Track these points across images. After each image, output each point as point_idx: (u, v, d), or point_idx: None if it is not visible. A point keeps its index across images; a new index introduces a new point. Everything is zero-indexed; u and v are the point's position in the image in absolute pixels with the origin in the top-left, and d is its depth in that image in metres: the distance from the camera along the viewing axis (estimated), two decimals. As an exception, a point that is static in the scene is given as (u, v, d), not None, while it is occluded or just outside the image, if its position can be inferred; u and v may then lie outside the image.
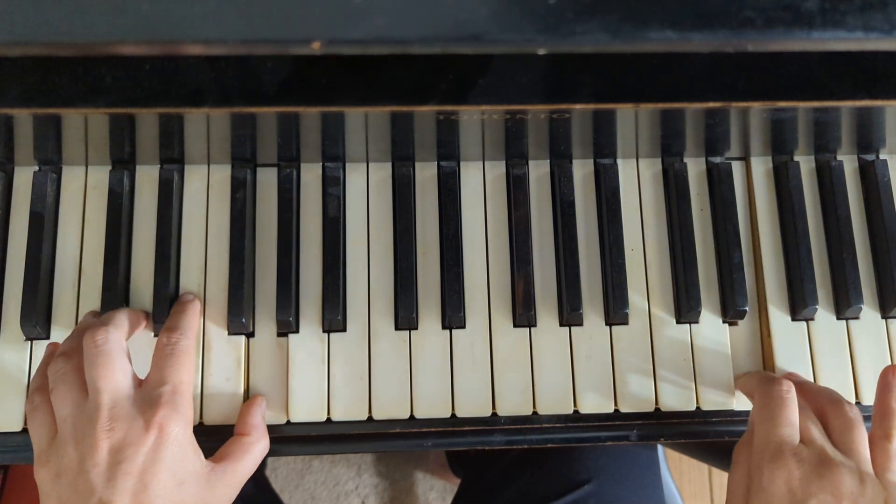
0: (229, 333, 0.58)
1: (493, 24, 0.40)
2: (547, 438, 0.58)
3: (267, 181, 0.61)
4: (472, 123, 0.54)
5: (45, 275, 0.58)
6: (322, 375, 0.58)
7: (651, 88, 0.51)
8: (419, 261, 0.60)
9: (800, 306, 0.59)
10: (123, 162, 0.60)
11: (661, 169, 0.62)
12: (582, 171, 0.62)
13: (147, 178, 0.60)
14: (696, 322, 0.60)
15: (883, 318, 0.61)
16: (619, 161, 0.62)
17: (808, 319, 0.60)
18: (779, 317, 0.60)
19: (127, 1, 0.39)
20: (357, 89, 0.50)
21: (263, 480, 0.87)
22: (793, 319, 0.60)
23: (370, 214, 0.61)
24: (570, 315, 0.58)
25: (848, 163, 0.63)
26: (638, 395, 0.58)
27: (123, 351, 0.52)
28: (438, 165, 0.61)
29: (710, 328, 0.60)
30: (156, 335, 0.58)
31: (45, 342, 0.58)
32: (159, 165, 0.60)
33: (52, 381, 0.51)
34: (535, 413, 0.58)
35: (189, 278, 0.59)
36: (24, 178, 0.60)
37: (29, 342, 0.58)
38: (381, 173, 0.61)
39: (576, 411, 0.58)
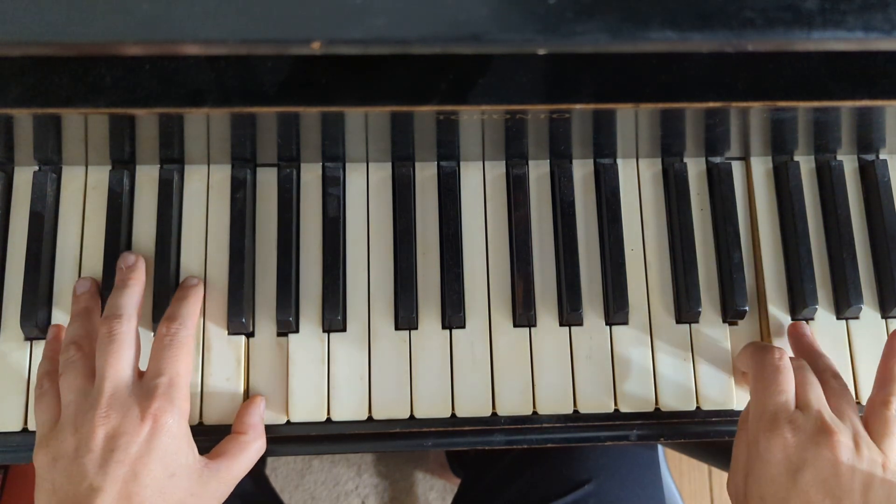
0: (229, 333, 0.58)
1: (493, 24, 0.40)
2: (547, 438, 0.58)
3: (267, 181, 0.61)
4: (472, 123, 0.54)
5: (45, 275, 0.58)
6: (322, 375, 0.58)
7: (651, 88, 0.51)
8: (419, 261, 0.60)
9: (800, 306, 0.59)
10: (123, 162, 0.60)
11: (661, 169, 0.62)
12: (582, 171, 0.62)
13: (147, 178, 0.60)
14: (696, 322, 0.60)
15: (883, 317, 0.61)
16: (619, 161, 0.62)
17: (808, 319, 0.60)
18: (779, 317, 0.60)
19: (127, 1, 0.39)
20: (357, 89, 0.50)
21: (263, 480, 0.87)
22: (793, 319, 0.60)
23: (370, 214, 0.61)
24: (570, 315, 0.58)
25: (848, 163, 0.63)
26: (638, 395, 0.58)
27: (134, 341, 0.53)
28: (438, 165, 0.61)
29: (710, 328, 0.60)
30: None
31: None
32: (159, 165, 0.60)
33: (62, 367, 0.53)
34: (535, 413, 0.58)
35: (189, 278, 0.59)
36: (24, 178, 0.60)
37: (29, 342, 0.58)
38: (381, 173, 0.61)
39: (576, 411, 0.58)
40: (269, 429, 0.57)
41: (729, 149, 0.61)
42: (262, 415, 0.56)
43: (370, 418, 0.57)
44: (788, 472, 0.48)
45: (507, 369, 0.58)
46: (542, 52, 0.42)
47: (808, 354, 0.56)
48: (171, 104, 0.49)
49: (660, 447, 0.76)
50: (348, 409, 0.57)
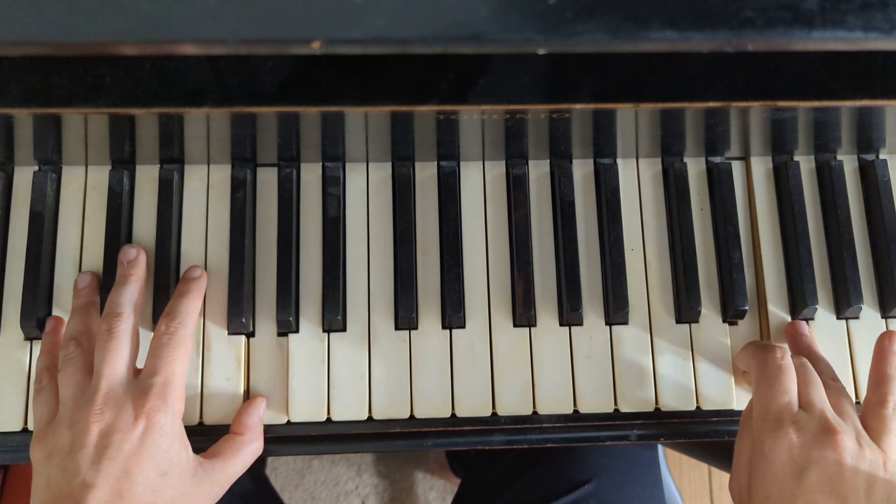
0: (229, 333, 0.58)
1: (493, 24, 0.40)
2: (547, 438, 0.58)
3: (267, 181, 0.61)
4: (472, 123, 0.54)
5: (45, 275, 0.58)
6: (322, 375, 0.58)
7: (651, 88, 0.51)
8: (419, 261, 0.60)
9: (800, 306, 0.59)
10: (123, 162, 0.60)
11: (661, 169, 0.62)
12: (582, 170, 0.62)
13: (147, 178, 0.60)
14: (696, 322, 0.60)
15: (883, 317, 0.61)
16: (619, 161, 0.62)
17: (808, 319, 0.60)
18: (779, 316, 0.60)
19: (127, 1, 0.39)
20: (357, 89, 0.50)
21: (263, 479, 0.87)
22: (793, 319, 0.60)
23: (370, 214, 0.61)
24: (570, 315, 0.58)
25: (848, 163, 0.63)
26: (638, 395, 0.58)
27: (133, 339, 0.53)
28: (438, 165, 0.61)
29: (710, 328, 0.60)
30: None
31: (45, 342, 0.58)
32: (159, 165, 0.60)
33: (62, 363, 0.53)
34: (535, 413, 0.58)
35: (189, 278, 0.59)
36: (24, 178, 0.60)
37: (29, 342, 0.58)
38: (381, 173, 0.61)
39: (576, 411, 0.58)
40: (270, 428, 0.57)
41: (729, 149, 0.61)
42: (262, 416, 0.56)
43: (370, 418, 0.57)
44: (793, 473, 0.48)
45: (507, 369, 0.58)
46: (542, 52, 0.42)
47: (806, 356, 0.56)
48: (171, 104, 0.50)
49: (660, 447, 0.76)
50: (348, 409, 0.57)
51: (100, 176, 0.60)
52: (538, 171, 0.62)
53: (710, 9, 0.40)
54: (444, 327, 0.59)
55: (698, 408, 0.59)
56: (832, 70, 0.51)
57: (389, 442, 0.58)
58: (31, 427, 0.56)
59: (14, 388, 0.57)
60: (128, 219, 0.59)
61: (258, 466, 0.90)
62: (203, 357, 0.58)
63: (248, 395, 0.58)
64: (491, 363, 0.58)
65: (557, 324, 0.59)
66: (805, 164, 0.62)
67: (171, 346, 0.53)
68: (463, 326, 0.59)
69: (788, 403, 0.51)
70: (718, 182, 0.61)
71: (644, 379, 0.59)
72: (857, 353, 0.60)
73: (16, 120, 0.52)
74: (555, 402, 0.58)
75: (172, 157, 0.60)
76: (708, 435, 0.59)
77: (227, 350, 0.58)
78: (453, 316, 0.58)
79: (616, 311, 0.58)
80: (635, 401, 0.58)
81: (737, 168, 0.63)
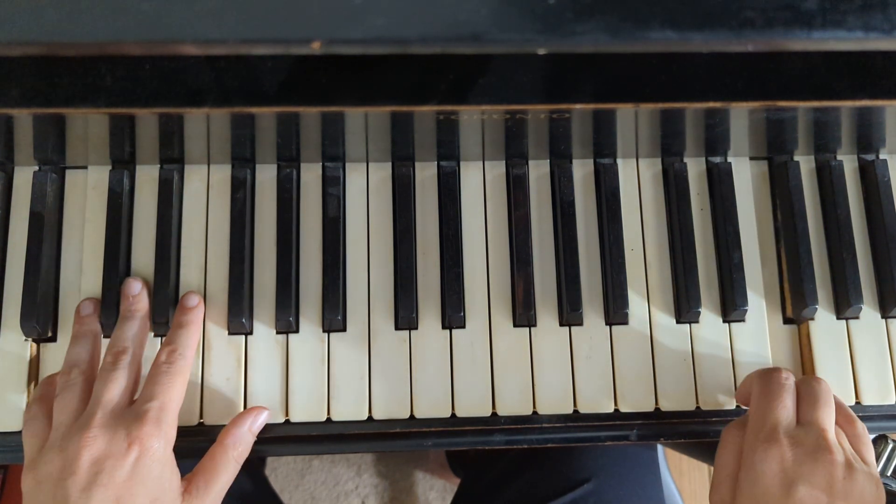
0: (229, 333, 0.58)
1: (493, 24, 0.40)
2: (547, 438, 0.58)
3: (267, 181, 0.61)
4: (472, 123, 0.54)
5: (44, 275, 0.58)
6: (322, 375, 0.58)
7: (651, 88, 0.51)
8: (419, 261, 0.60)
9: (800, 306, 0.59)
10: (123, 162, 0.60)
11: (661, 169, 0.62)
12: (582, 171, 0.62)
13: (147, 178, 0.60)
14: (696, 322, 0.60)
15: (883, 317, 0.61)
16: (619, 161, 0.62)
17: (808, 319, 0.60)
18: (779, 317, 0.60)
19: (127, 1, 0.39)
20: (357, 89, 0.50)
21: (263, 480, 0.87)
22: (793, 319, 0.60)
23: (370, 214, 0.60)
24: (570, 315, 0.58)
25: (848, 163, 0.63)
26: (638, 395, 0.58)
27: (135, 372, 0.54)
28: (438, 165, 0.61)
29: (710, 328, 0.60)
30: (154, 334, 0.58)
31: (46, 342, 0.58)
32: (159, 165, 0.60)
33: (61, 388, 0.53)
34: (535, 413, 0.58)
35: (189, 278, 0.59)
36: (24, 178, 0.60)
37: (28, 342, 0.58)
38: (381, 173, 0.61)
39: (576, 411, 0.58)
40: (269, 428, 0.57)
41: (729, 149, 0.61)
42: (254, 428, 0.55)
43: (370, 418, 0.57)
44: (783, 485, 0.48)
45: (506, 369, 0.58)
46: (542, 52, 0.42)
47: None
48: (171, 104, 0.50)
49: (660, 447, 0.76)
50: (348, 409, 0.57)
51: (100, 176, 0.60)
52: (538, 171, 0.62)
53: (710, 9, 0.40)
54: (444, 327, 0.59)
55: (698, 408, 0.59)
56: (832, 70, 0.51)
57: (389, 442, 0.58)
58: (31, 427, 0.56)
59: (14, 387, 0.57)
60: (128, 219, 0.59)
61: (258, 467, 0.90)
62: (203, 357, 0.58)
63: (247, 396, 0.58)
64: (491, 363, 0.58)
65: (557, 324, 0.59)
66: (805, 164, 0.62)
67: (170, 375, 0.53)
68: (463, 326, 0.59)
69: (786, 417, 0.50)
70: (718, 182, 0.61)
71: (644, 379, 0.59)
72: (857, 354, 0.60)
73: (16, 120, 0.52)
74: (555, 402, 0.58)
75: (172, 157, 0.60)
76: (708, 435, 0.59)
77: (227, 350, 0.58)
78: (453, 316, 0.58)
79: (616, 311, 0.58)
80: (635, 401, 0.58)
81: (737, 168, 0.62)
